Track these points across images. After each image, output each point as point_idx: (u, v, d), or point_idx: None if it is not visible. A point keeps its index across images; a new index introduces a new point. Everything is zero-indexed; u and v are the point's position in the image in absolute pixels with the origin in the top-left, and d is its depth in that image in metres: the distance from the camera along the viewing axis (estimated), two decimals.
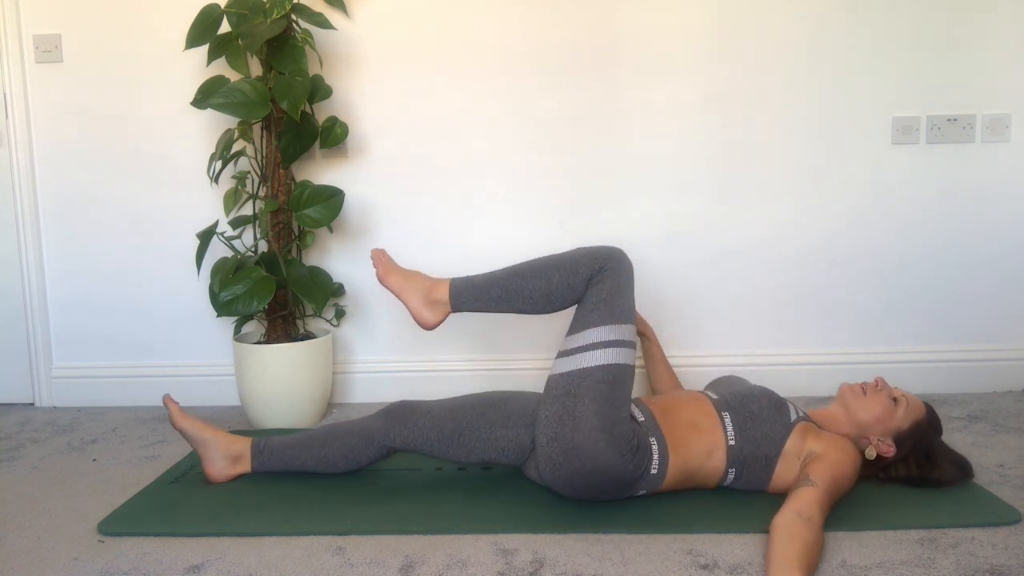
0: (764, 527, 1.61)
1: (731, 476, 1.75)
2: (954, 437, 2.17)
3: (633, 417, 1.75)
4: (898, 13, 2.51)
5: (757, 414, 1.74)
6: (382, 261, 1.93)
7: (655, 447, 1.70)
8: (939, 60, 2.53)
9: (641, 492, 1.73)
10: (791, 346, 2.65)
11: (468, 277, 1.85)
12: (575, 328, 1.75)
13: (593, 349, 1.69)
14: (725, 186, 2.60)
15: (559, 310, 1.82)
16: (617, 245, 2.62)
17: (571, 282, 1.75)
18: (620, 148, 2.59)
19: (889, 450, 1.77)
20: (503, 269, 1.83)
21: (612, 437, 1.63)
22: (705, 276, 2.63)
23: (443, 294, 1.84)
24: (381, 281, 1.90)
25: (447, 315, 1.87)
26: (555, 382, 1.71)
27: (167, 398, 1.93)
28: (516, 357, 2.66)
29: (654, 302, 2.64)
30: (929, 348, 2.65)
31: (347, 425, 1.90)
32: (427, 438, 1.82)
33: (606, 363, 1.68)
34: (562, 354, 1.74)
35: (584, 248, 1.81)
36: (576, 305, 1.79)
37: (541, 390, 2.03)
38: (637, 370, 2.49)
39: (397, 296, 1.89)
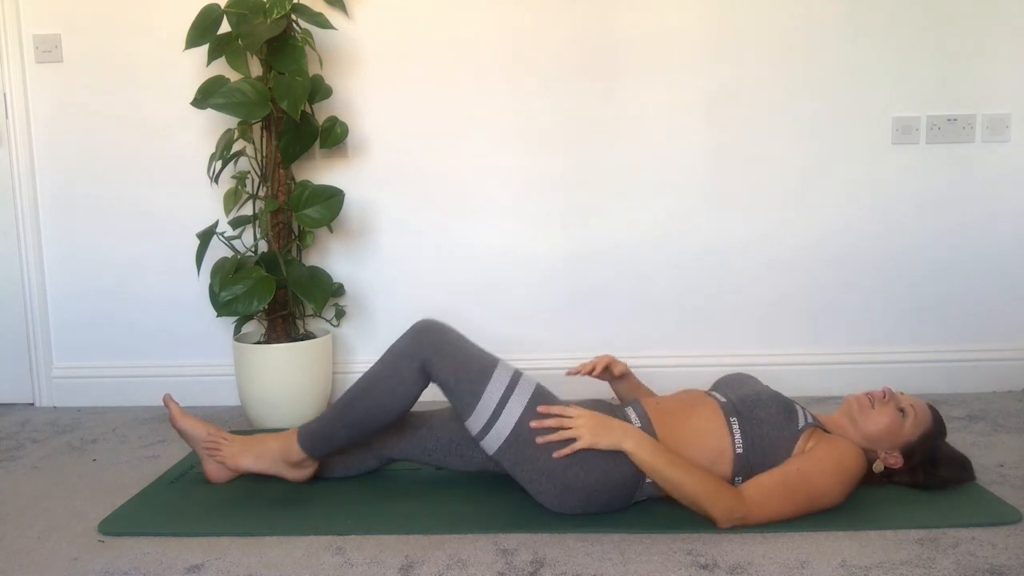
0: (764, 527, 1.61)
1: (736, 483, 1.73)
2: (954, 437, 2.17)
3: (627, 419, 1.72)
4: (898, 13, 2.51)
5: (765, 420, 1.69)
6: (221, 442, 1.84)
7: None
8: (939, 60, 2.53)
9: (643, 499, 1.71)
10: (791, 346, 2.65)
11: (308, 428, 1.77)
12: (466, 409, 1.67)
13: (499, 411, 1.65)
14: (725, 187, 2.60)
15: (409, 409, 1.73)
16: (613, 246, 2.63)
17: (395, 387, 1.69)
18: (620, 149, 2.59)
19: (897, 462, 1.74)
20: (335, 404, 1.74)
21: (602, 475, 1.63)
22: (704, 276, 2.63)
23: (299, 452, 1.77)
24: (232, 469, 1.82)
25: (317, 465, 1.83)
26: (509, 460, 1.66)
27: (167, 398, 1.92)
28: (516, 357, 2.66)
29: (652, 303, 2.65)
30: (929, 348, 2.65)
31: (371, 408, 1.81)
32: (424, 448, 1.85)
33: (520, 409, 1.65)
34: (480, 435, 1.67)
35: (392, 348, 1.74)
36: (442, 390, 1.73)
37: None
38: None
39: (260, 471, 1.81)
